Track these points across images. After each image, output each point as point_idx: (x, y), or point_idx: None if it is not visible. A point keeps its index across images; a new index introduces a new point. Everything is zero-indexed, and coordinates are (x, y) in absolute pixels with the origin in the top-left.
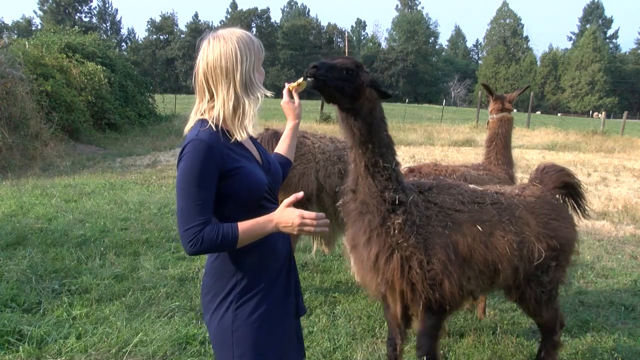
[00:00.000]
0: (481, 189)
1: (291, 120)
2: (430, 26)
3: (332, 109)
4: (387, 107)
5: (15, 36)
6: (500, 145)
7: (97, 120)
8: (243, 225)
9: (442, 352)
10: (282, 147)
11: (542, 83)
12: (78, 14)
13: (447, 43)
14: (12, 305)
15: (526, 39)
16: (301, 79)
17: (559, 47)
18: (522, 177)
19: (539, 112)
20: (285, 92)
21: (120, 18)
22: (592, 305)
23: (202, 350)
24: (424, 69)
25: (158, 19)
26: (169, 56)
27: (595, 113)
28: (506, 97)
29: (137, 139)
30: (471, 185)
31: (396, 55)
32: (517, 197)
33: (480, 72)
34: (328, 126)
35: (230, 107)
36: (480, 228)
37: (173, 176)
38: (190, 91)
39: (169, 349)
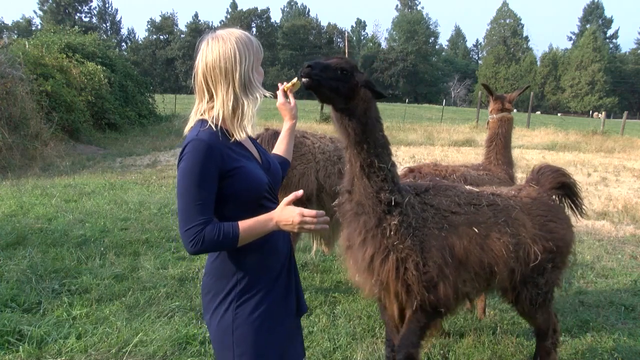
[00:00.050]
0: (477, 190)
1: (288, 121)
2: (430, 26)
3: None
4: (387, 107)
5: (15, 36)
6: (500, 145)
7: (97, 120)
8: (244, 224)
9: (442, 352)
10: (280, 148)
11: (542, 83)
12: (78, 14)
13: (447, 43)
14: (12, 305)
15: (526, 39)
16: (295, 79)
17: (559, 47)
18: (522, 177)
19: (539, 112)
20: (280, 92)
21: (120, 18)
22: (592, 305)
23: (202, 350)
24: (424, 69)
25: (158, 19)
26: (169, 56)
27: (595, 113)
28: (506, 97)
29: (137, 139)
30: (467, 187)
31: (396, 55)
32: (514, 198)
33: (480, 72)
34: (328, 126)
35: (230, 107)
36: (476, 230)
37: (173, 176)
38: (190, 91)
39: (169, 349)
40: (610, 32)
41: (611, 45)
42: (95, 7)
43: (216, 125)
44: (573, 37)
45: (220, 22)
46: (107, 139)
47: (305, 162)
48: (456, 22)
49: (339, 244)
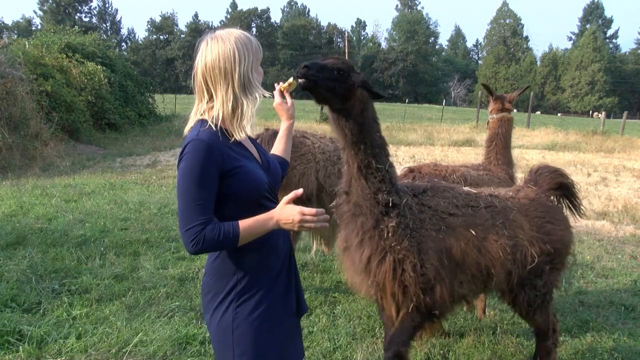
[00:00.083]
0: (475, 191)
1: (285, 121)
2: (430, 26)
3: None
4: (387, 107)
5: (15, 36)
6: (500, 145)
7: (97, 120)
8: (244, 223)
9: (442, 352)
10: (278, 148)
11: (542, 83)
12: (78, 14)
13: (447, 43)
14: (12, 305)
15: (526, 39)
16: (291, 79)
17: (559, 47)
18: (522, 177)
19: (539, 112)
20: (276, 93)
21: (120, 18)
22: (592, 305)
23: (202, 350)
24: (424, 69)
25: (158, 19)
26: (169, 56)
27: (595, 113)
28: (506, 97)
29: (137, 139)
30: (465, 188)
31: (396, 55)
32: (511, 199)
33: (480, 72)
34: (328, 126)
35: (229, 107)
36: (473, 232)
37: (173, 176)
38: (190, 91)
39: (169, 349)
40: (610, 32)
41: (611, 45)
42: (95, 7)
43: (216, 125)
44: (573, 37)
45: (220, 22)
46: (107, 139)
47: (305, 162)
48: (456, 22)
49: (337, 245)
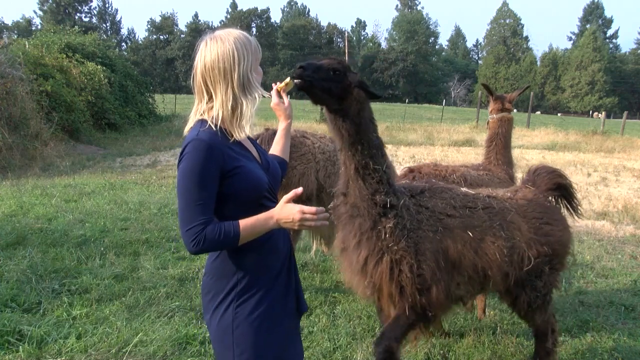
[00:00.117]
0: (473, 192)
1: (283, 121)
2: (430, 26)
3: None
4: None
5: (15, 36)
6: (500, 145)
7: (97, 120)
8: (244, 223)
9: (442, 352)
10: (276, 148)
11: (542, 83)
12: (78, 14)
13: (447, 43)
14: (12, 305)
15: (526, 39)
16: (288, 79)
17: (559, 47)
18: (522, 177)
19: (539, 112)
20: (273, 93)
21: (120, 18)
22: (592, 305)
23: (202, 350)
24: (424, 69)
25: (158, 19)
26: (169, 56)
27: (595, 113)
28: (506, 97)
29: (137, 139)
30: (463, 189)
31: (396, 55)
32: (509, 200)
33: (480, 72)
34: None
35: (229, 108)
36: (470, 234)
37: (173, 176)
38: (190, 91)
39: (169, 349)
40: (610, 32)
41: (611, 45)
42: (95, 7)
43: (216, 125)
44: (573, 37)
45: (220, 22)
46: (107, 139)
47: (305, 162)
48: (456, 22)
49: (335, 246)
